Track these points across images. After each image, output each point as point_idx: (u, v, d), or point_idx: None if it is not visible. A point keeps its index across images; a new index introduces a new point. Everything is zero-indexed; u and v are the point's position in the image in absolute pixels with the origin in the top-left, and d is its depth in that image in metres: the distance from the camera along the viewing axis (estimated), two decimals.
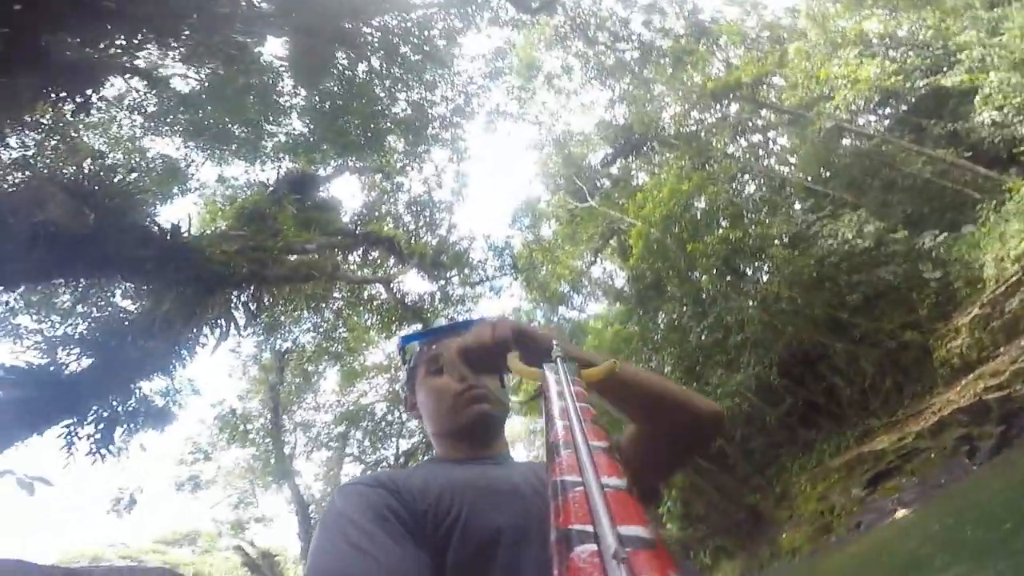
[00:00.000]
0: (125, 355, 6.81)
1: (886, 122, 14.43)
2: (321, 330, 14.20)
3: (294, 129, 11.66)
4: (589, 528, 0.23)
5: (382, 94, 11.99)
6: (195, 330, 8.15)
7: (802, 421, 11.69)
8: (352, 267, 13.90)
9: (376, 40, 10.98)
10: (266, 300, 10.17)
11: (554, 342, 0.63)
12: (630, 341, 13.99)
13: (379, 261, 14.43)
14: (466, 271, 15.61)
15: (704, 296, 12.97)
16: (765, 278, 12.96)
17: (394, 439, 16.81)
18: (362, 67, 11.17)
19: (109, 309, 8.21)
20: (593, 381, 0.57)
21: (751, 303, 12.00)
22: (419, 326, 15.78)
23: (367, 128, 11.96)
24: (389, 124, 12.94)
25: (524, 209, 21.07)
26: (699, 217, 14.27)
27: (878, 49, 14.26)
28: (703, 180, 14.68)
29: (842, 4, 15.53)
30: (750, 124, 16.97)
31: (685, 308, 13.12)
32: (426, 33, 11.58)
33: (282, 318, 12.93)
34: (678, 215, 14.25)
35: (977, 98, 11.13)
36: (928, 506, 8.48)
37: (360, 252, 13.88)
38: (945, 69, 12.29)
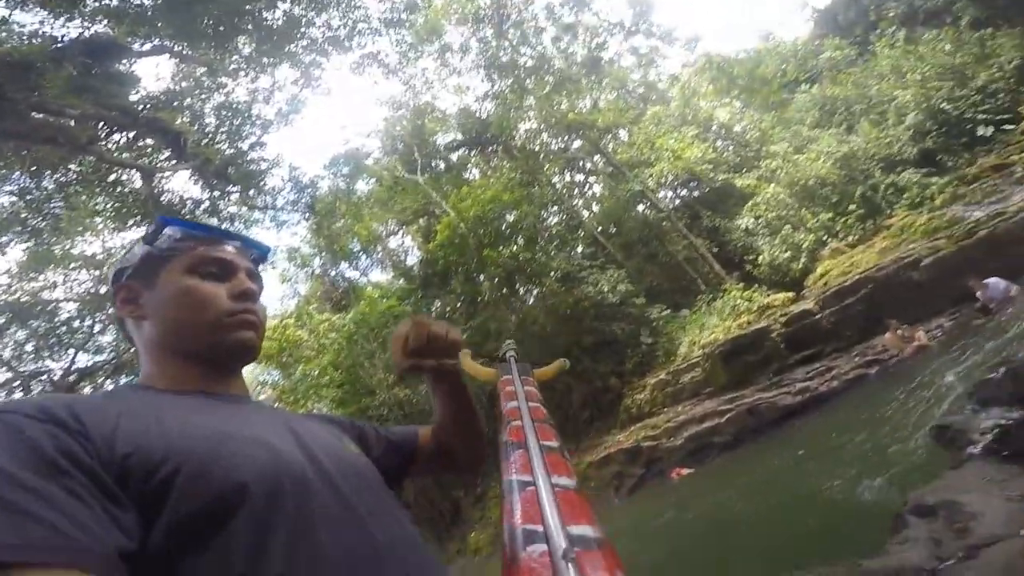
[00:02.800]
0: None
1: (677, 202, 17.45)
2: (30, 198, 12.05)
3: None
4: (539, 528, 0.25)
5: None
6: None
7: None
8: (112, 146, 12.52)
9: None
10: None
11: (507, 342, 0.63)
12: (400, 318, 14.69)
13: (150, 150, 13.22)
14: (251, 192, 14.73)
15: (479, 300, 14.42)
16: (531, 301, 14.96)
17: (72, 351, 14.14)
18: None
19: None
20: (545, 380, 0.57)
21: (513, 318, 13.74)
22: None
23: (223, 22, 11.18)
24: (250, 26, 12.11)
25: (348, 157, 20.85)
26: (504, 229, 15.85)
27: (711, 136, 17.08)
28: (522, 197, 16.34)
29: (713, 88, 18.36)
30: (581, 164, 19.42)
31: (460, 305, 14.41)
32: None
33: None
34: (489, 220, 15.65)
35: (748, 204, 14.03)
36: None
37: (132, 134, 12.59)
38: (744, 171, 15.21)
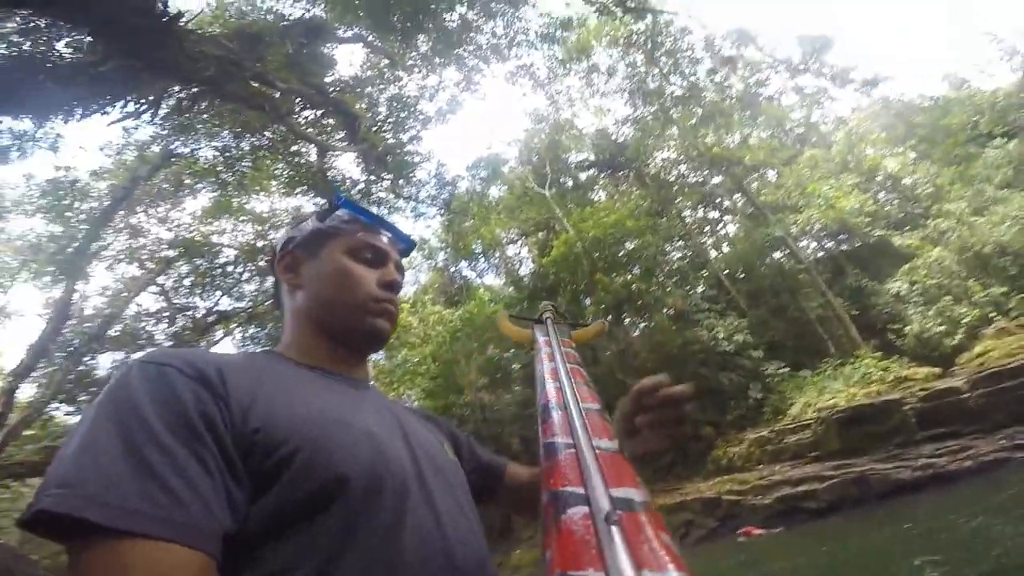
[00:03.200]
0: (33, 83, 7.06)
1: (820, 254, 16.09)
2: (228, 155, 14.02)
3: None
4: (580, 490, 0.24)
5: None
6: (116, 96, 8.48)
7: None
8: (302, 120, 14.12)
9: None
10: (203, 105, 10.70)
11: (544, 303, 0.64)
12: None
13: (330, 129, 14.72)
14: (401, 182, 15.96)
15: (579, 322, 14.46)
16: (636, 333, 14.65)
17: (219, 293, 15.59)
18: None
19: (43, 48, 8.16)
20: (583, 341, 0.57)
21: (613, 347, 13.62)
22: (323, 201, 16.21)
23: (410, 18, 12.48)
24: (430, 25, 13.41)
25: (488, 162, 21.87)
26: (621, 256, 15.76)
27: (873, 186, 15.77)
28: (647, 227, 16.13)
29: (886, 135, 16.90)
30: (717, 200, 18.62)
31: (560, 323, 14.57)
32: None
33: (199, 125, 13.05)
34: (607, 244, 15.69)
35: (906, 266, 12.73)
36: None
37: (320, 112, 14.11)
38: (907, 228, 13.86)
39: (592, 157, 21.33)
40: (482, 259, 20.63)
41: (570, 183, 21.08)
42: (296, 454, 0.53)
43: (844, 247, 15.65)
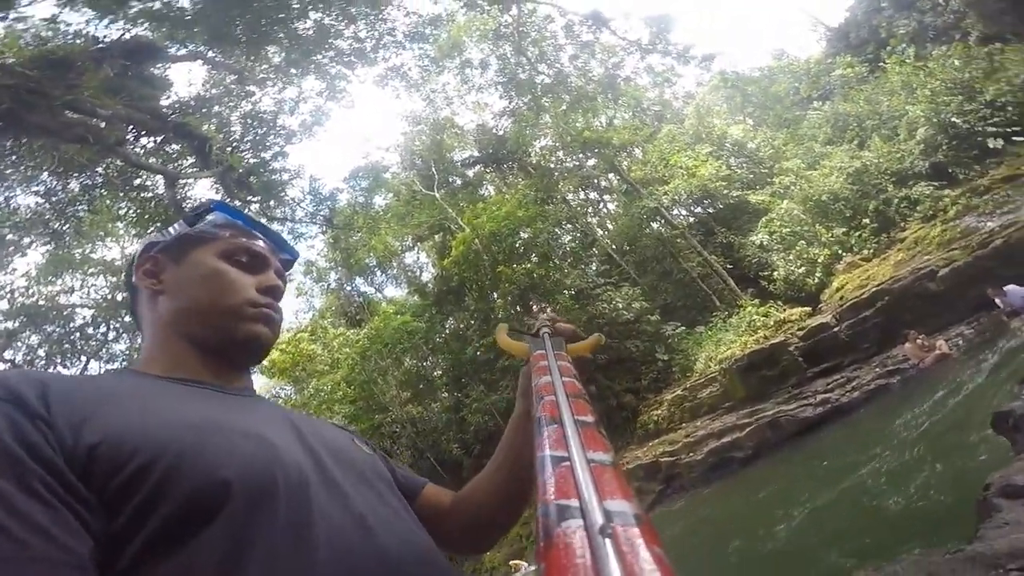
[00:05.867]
0: None
1: (691, 219, 16.76)
2: (55, 199, 11.47)
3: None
4: (575, 503, 0.23)
5: (295, 3, 11.00)
6: None
7: None
8: (140, 149, 12.02)
9: None
10: (7, 144, 8.80)
11: (542, 316, 0.57)
12: (414, 335, 14.21)
13: (176, 155, 12.76)
14: (271, 203, 14.25)
15: (492, 317, 13.77)
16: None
17: (84, 358, 13.11)
18: None
19: None
20: (579, 355, 0.53)
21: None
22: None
23: (256, 29, 10.85)
24: (282, 35, 11.76)
25: (367, 171, 20.43)
26: (518, 246, 15.21)
27: (725, 154, 16.50)
28: (537, 214, 15.72)
29: (727, 106, 17.72)
30: (596, 181, 18.73)
31: (473, 322, 13.76)
32: None
33: (7, 170, 10.54)
34: (503, 236, 15.04)
35: (763, 220, 13.44)
36: None
37: (160, 139, 12.08)
38: (758, 188, 14.63)
39: (476, 153, 20.55)
40: (378, 272, 19.06)
41: (458, 182, 20.23)
42: (154, 463, 0.44)
43: (710, 210, 16.37)
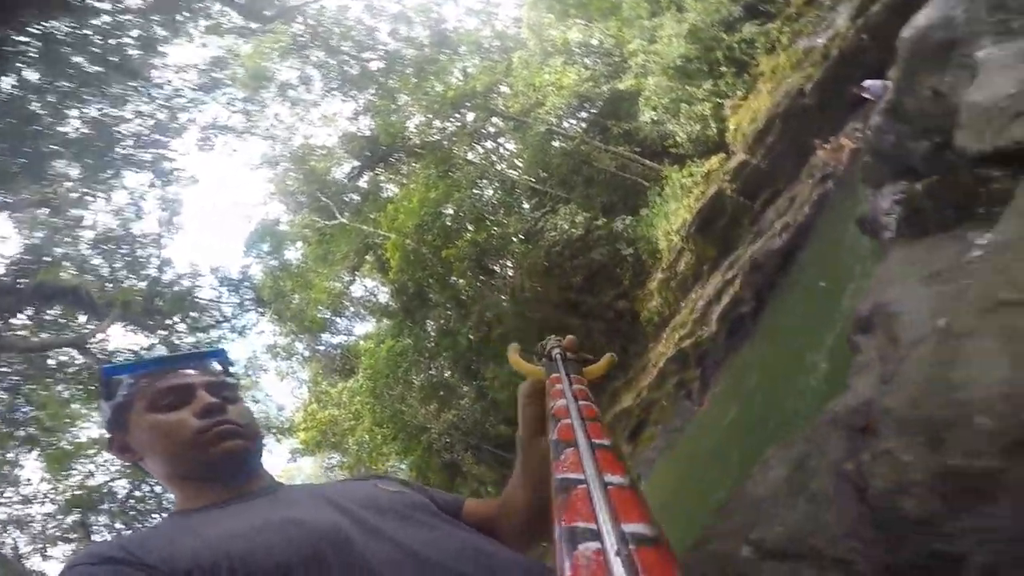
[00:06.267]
0: None
1: (583, 125, 16.96)
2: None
3: None
4: (592, 526, 0.23)
5: (42, 111, 9.79)
6: None
7: None
8: (21, 332, 11.19)
9: (34, 49, 8.83)
10: None
11: (552, 338, 0.60)
12: (406, 354, 13.96)
13: (65, 319, 11.78)
14: (193, 314, 13.22)
15: (464, 298, 13.70)
16: (511, 273, 14.37)
17: (155, 514, 12.88)
18: (7, 80, 8.81)
19: None
20: (594, 378, 0.54)
21: (503, 298, 13.14)
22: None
23: (18, 153, 9.63)
24: (53, 146, 10.40)
25: (261, 233, 18.98)
26: (449, 223, 14.96)
27: (578, 57, 16.54)
28: (448, 187, 15.40)
29: (553, 15, 17.60)
30: (484, 131, 18.47)
31: (450, 312, 13.65)
32: (112, 42, 9.73)
33: None
34: (429, 223, 14.68)
35: (641, 99, 13.85)
36: (675, 449, 9.93)
37: (31, 311, 11.17)
38: (621, 75, 14.90)
39: (356, 163, 19.52)
40: (337, 318, 18.19)
41: (356, 197, 19.21)
42: (233, 570, 0.52)
43: (594, 111, 16.64)
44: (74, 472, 12.83)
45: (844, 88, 9.28)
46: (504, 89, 18.07)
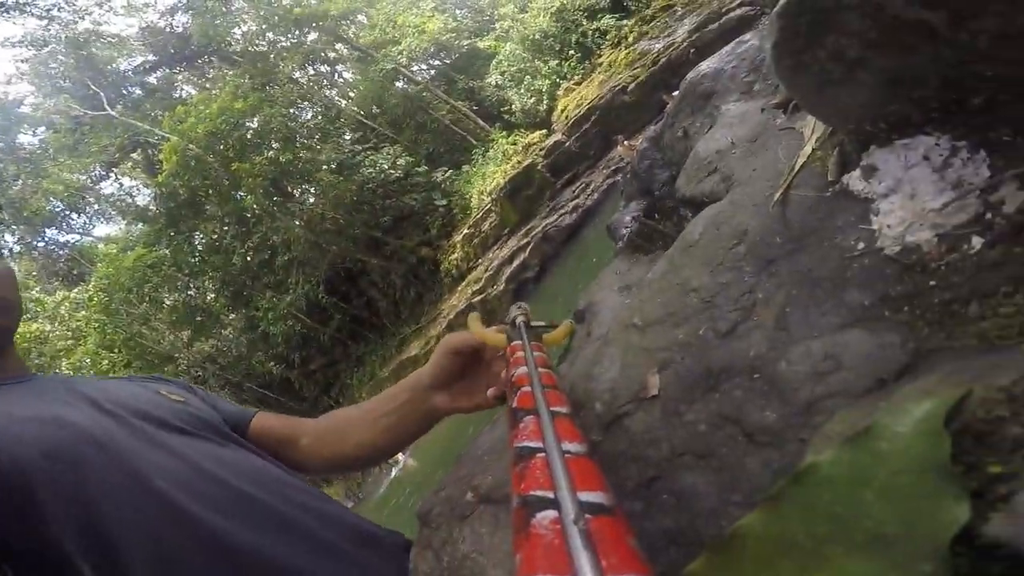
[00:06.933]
0: None
1: (431, 72, 16.43)
2: None
3: None
4: (550, 494, 0.23)
5: None
6: None
7: (351, 336, 12.18)
8: None
9: None
10: None
11: (515, 305, 0.57)
12: (159, 267, 11.30)
13: None
14: None
15: (249, 216, 11.67)
16: (312, 200, 12.77)
17: None
18: None
19: None
20: (554, 344, 0.53)
21: (297, 223, 11.50)
22: None
23: None
24: None
25: None
26: (249, 137, 12.77)
27: (450, 7, 16.02)
28: (260, 101, 13.23)
29: None
30: (323, 54, 16.52)
31: (227, 228, 11.52)
32: None
33: None
34: (225, 133, 12.38)
35: (493, 63, 13.78)
36: None
37: None
38: (484, 34, 14.70)
39: (152, 57, 15.96)
40: (73, 215, 14.30)
41: (139, 92, 15.64)
42: None
43: (447, 61, 16.14)
44: None
45: (660, 92, 9.89)
46: (361, 19, 16.50)
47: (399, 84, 15.09)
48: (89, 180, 14.08)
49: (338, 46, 16.44)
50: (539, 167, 11.85)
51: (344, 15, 15.95)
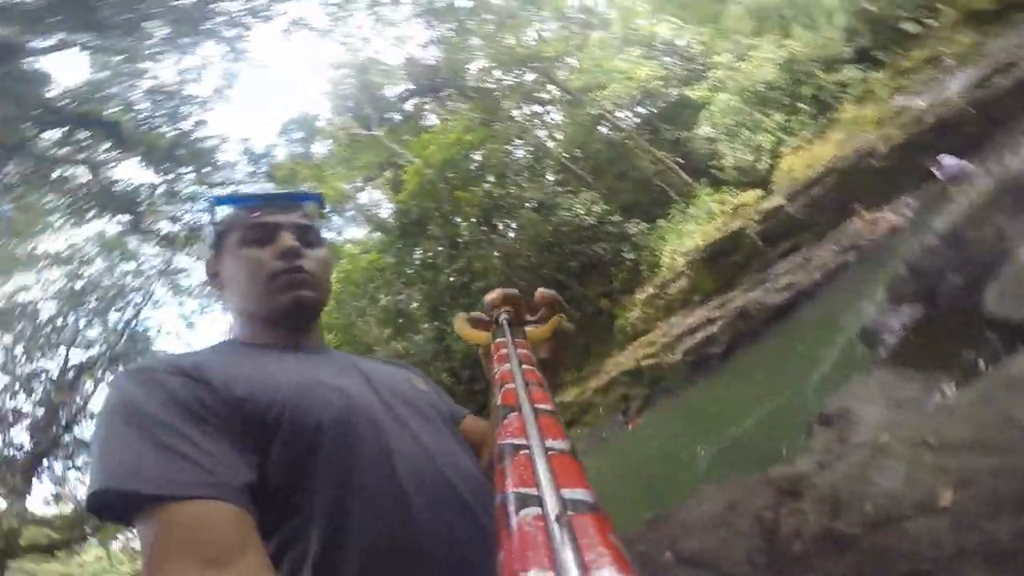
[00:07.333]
0: None
1: (636, 120, 16.25)
2: None
3: None
4: (533, 491, 0.22)
5: None
6: None
7: None
8: (48, 144, 11.69)
9: None
10: None
11: (499, 298, 0.57)
12: (384, 271, 13.58)
13: (89, 142, 12.19)
14: (206, 169, 13.70)
15: (460, 241, 13.19)
16: (512, 235, 13.78)
17: (63, 347, 13.00)
18: None
19: None
20: (539, 341, 0.55)
21: (496, 255, 12.58)
22: (126, 217, 13.33)
23: (125, 10, 10.49)
24: (158, 9, 11.26)
25: (300, 123, 19.01)
26: (472, 169, 14.38)
27: (658, 53, 15.86)
28: (485, 136, 14.82)
29: (649, 5, 16.82)
30: (536, 94, 17.76)
31: (441, 249, 13.21)
32: None
33: None
34: (456, 162, 14.16)
35: (704, 112, 13.17)
36: (598, 457, 9.29)
37: (64, 130, 11.62)
38: (695, 83, 14.25)
39: (410, 86, 19.09)
40: (334, 216, 18.07)
41: (398, 117, 19.01)
42: (283, 415, 0.55)
43: (653, 109, 15.87)
44: (8, 282, 12.98)
45: (920, 159, 8.29)
46: (571, 61, 17.31)
47: (603, 129, 15.29)
48: (351, 190, 17.58)
49: (550, 87, 17.43)
50: (749, 232, 10.88)
51: (557, 57, 16.84)
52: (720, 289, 10.58)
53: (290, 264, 0.69)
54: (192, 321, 17.02)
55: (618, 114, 15.64)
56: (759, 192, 11.72)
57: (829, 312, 7.21)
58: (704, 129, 13.43)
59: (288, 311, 0.68)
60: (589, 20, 18.98)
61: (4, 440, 12.37)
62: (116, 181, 12.81)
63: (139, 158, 12.61)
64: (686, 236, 11.77)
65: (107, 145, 12.20)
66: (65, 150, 11.95)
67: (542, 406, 0.31)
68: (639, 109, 16.18)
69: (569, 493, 0.22)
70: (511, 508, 0.22)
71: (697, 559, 2.20)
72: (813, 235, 10.21)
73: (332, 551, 0.51)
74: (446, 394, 0.83)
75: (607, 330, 11.81)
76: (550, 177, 14.72)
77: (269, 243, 0.70)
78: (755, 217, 11.07)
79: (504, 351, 0.44)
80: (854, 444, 2.24)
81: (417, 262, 13.75)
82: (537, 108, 18.25)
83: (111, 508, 0.47)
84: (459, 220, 13.35)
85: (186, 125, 13.53)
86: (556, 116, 18.10)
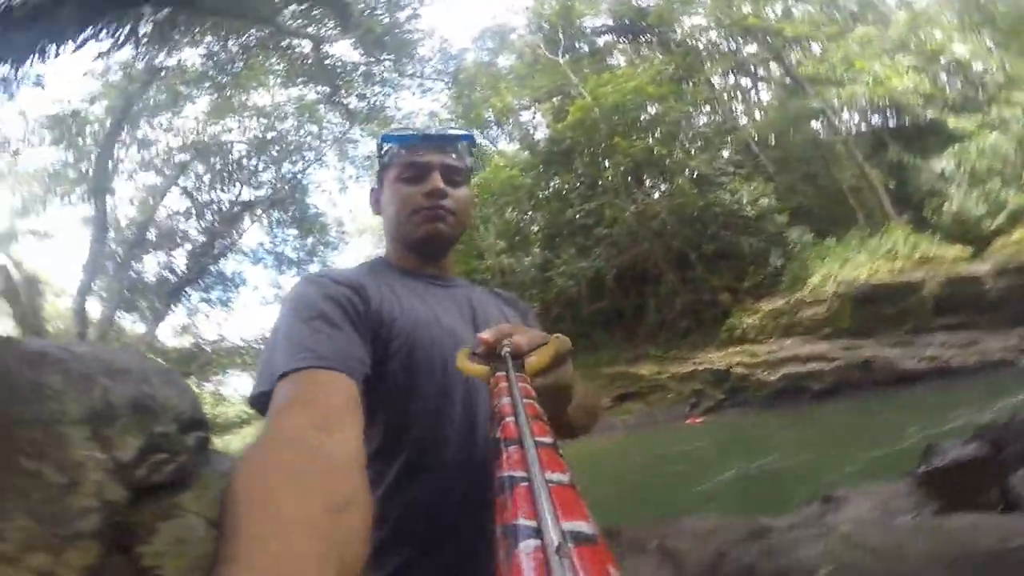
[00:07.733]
0: None
1: (861, 127, 13.89)
2: (216, 59, 12.77)
3: None
4: (533, 523, 0.22)
5: None
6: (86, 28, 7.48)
7: (603, 324, 12.32)
8: (288, 13, 12.84)
9: None
10: (182, 22, 9.69)
11: (499, 332, 0.58)
12: (519, 189, 13.57)
13: (319, 18, 13.28)
14: (404, 60, 14.43)
15: (600, 184, 12.59)
16: (656, 196, 12.78)
17: (239, 185, 15.07)
18: None
19: None
20: (540, 369, 0.55)
21: (632, 208, 11.82)
22: (326, 89, 14.75)
23: None
24: None
25: (495, 32, 19.00)
26: (641, 120, 13.41)
27: (932, 68, 13.36)
28: (670, 92, 13.66)
29: (959, 21, 14.00)
30: (751, 68, 15.75)
31: (579, 185, 12.75)
32: None
33: (177, 36, 11.23)
34: (627, 109, 13.34)
35: (954, 147, 10.93)
36: (641, 437, 9.16)
37: (305, 5, 12.60)
38: (964, 113, 11.82)
39: (610, 22, 18.08)
40: (494, 127, 18.29)
41: (585, 49, 18.10)
42: (401, 348, 0.66)
43: (890, 124, 13.38)
44: (219, 125, 15.01)
45: None
46: (814, 48, 14.94)
47: (815, 125, 13.23)
48: (517, 106, 17.54)
49: (772, 66, 15.27)
50: (924, 292, 8.97)
51: (797, 38, 14.59)
52: (855, 333, 8.99)
53: (433, 203, 0.75)
54: (347, 186, 18.94)
55: (844, 115, 13.45)
56: (965, 251, 9.43)
57: (953, 403, 5.80)
58: (944, 164, 11.00)
59: (424, 242, 0.77)
60: (863, 14, 16.11)
61: (166, 260, 14.65)
62: (329, 56, 14.07)
63: (353, 40, 13.60)
64: (850, 265, 9.95)
65: (332, 23, 13.31)
66: (299, 22, 13.19)
67: (542, 439, 0.31)
68: (873, 118, 13.78)
69: (569, 525, 0.21)
70: (511, 540, 0.22)
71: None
72: (991, 322, 8.11)
73: (406, 490, 0.63)
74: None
75: (714, 324, 10.67)
76: (726, 154, 13.22)
77: (420, 181, 0.76)
78: (942, 277, 9.01)
79: (504, 384, 0.44)
80: (839, 519, 2.32)
81: (551, 190, 13.48)
82: (746, 81, 16.29)
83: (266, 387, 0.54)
84: (607, 164, 12.66)
85: (402, 16, 14.23)
86: (764, 95, 16.08)
